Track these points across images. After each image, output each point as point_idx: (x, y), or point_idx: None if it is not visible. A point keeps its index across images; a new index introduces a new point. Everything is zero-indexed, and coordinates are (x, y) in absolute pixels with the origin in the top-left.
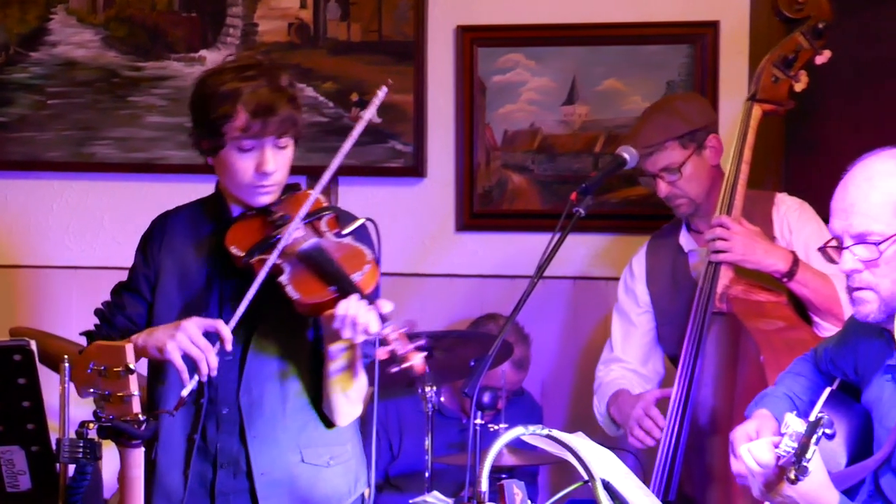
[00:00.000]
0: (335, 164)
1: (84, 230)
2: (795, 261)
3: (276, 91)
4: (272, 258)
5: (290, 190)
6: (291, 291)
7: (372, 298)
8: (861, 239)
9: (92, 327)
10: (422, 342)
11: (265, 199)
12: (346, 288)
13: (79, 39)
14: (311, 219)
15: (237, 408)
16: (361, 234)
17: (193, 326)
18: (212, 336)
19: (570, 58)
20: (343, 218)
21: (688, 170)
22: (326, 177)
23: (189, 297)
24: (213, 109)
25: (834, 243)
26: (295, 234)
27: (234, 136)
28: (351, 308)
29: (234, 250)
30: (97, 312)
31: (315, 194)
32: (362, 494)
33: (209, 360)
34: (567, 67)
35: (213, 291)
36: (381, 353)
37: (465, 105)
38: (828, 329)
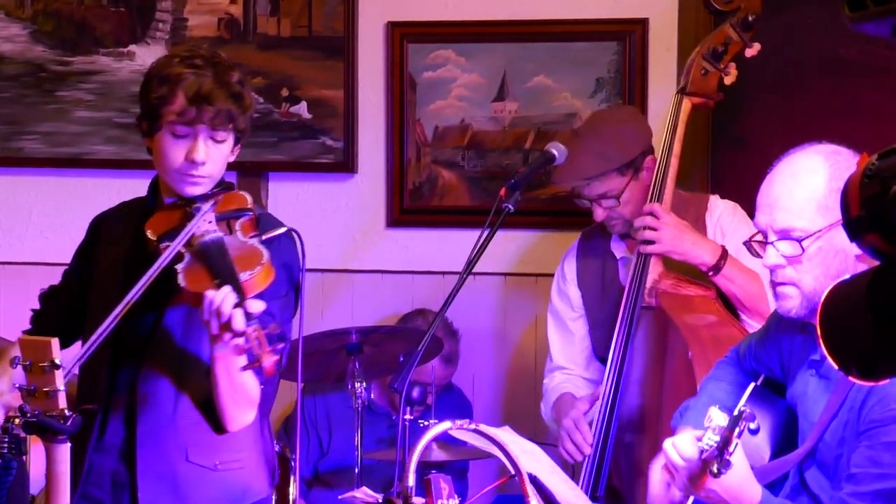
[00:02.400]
0: None
1: (12, 225)
2: (723, 255)
3: (219, 83)
4: (176, 244)
5: (225, 189)
6: (181, 279)
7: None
8: (784, 235)
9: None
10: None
11: (193, 190)
12: (228, 284)
13: (6, 34)
14: (228, 217)
15: (134, 397)
16: (285, 244)
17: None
18: None
19: (500, 54)
20: (266, 224)
21: (626, 196)
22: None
23: (104, 281)
24: (154, 90)
25: (759, 237)
26: (205, 226)
27: (170, 119)
28: (217, 300)
29: (148, 234)
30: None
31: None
32: None
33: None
34: (497, 64)
35: (122, 274)
36: (238, 350)
37: (396, 101)
38: (754, 327)
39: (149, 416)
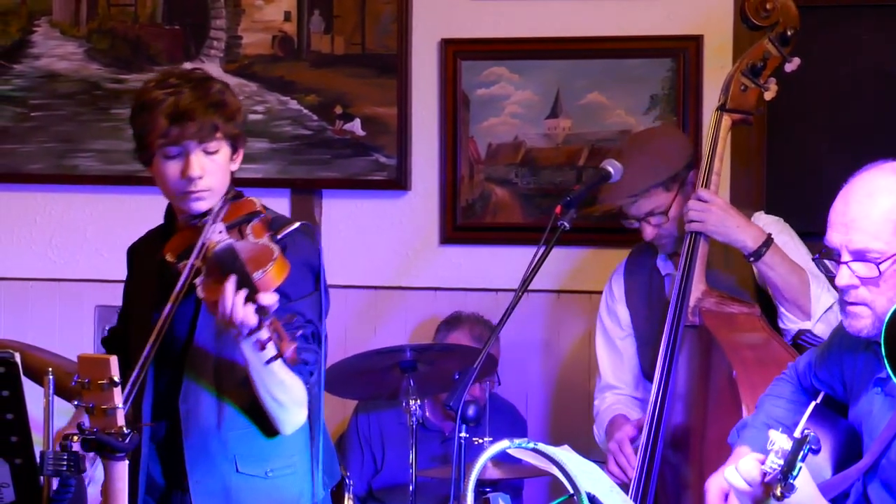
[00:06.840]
0: None
1: (67, 243)
2: (766, 242)
3: (197, 98)
4: (191, 260)
5: (233, 198)
6: (199, 291)
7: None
8: (860, 256)
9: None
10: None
11: (199, 205)
12: (243, 286)
13: (61, 52)
14: (238, 224)
15: (177, 416)
16: (302, 242)
17: None
18: None
19: (554, 71)
20: (277, 223)
21: (673, 211)
22: None
23: (139, 311)
24: (136, 120)
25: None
26: (215, 237)
27: (158, 144)
28: (227, 302)
29: (167, 257)
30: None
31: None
32: None
33: None
34: (550, 81)
35: (150, 302)
36: (259, 346)
37: (449, 118)
38: (792, 321)
39: (195, 432)
